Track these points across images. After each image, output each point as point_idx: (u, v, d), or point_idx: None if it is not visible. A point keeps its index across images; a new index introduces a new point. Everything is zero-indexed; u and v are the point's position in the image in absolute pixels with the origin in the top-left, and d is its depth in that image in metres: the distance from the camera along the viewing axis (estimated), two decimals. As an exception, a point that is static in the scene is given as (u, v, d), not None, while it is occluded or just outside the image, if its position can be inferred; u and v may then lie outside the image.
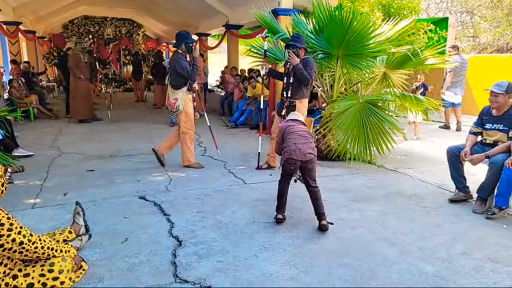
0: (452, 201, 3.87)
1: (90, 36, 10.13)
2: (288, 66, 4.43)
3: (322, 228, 3.13)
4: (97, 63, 8.93)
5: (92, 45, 9.56)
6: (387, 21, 5.40)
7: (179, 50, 4.69)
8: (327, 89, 5.54)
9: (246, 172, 4.80)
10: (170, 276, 2.47)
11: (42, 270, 2.09)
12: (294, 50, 4.27)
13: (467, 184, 3.88)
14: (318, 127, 5.43)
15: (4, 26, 10.22)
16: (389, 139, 4.87)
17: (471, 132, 3.88)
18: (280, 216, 3.27)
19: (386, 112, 5.03)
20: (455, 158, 3.82)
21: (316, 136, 5.45)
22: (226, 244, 2.91)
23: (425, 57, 5.21)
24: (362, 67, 4.96)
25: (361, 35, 4.62)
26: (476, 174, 4.18)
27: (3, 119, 4.84)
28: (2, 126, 4.76)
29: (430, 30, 8.08)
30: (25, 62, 11.23)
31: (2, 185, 2.07)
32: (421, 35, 7.74)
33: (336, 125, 4.94)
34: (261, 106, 5.30)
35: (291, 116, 3.60)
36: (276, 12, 6.96)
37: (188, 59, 4.68)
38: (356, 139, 4.90)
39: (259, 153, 5.01)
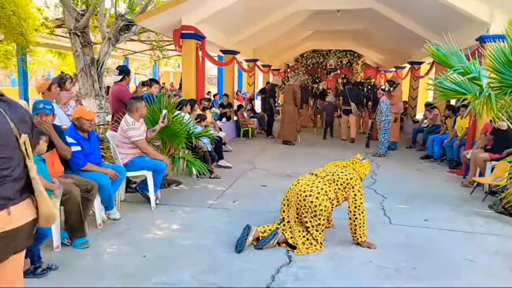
0: None
1: (302, 73, 11.83)
2: None
3: None
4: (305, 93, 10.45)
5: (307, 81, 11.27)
6: None
7: None
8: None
9: (400, 211, 4.50)
10: (262, 289, 2.82)
11: None
12: None
13: None
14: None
15: (245, 64, 13.14)
16: None
17: None
18: None
19: None
20: None
21: (506, 183, 4.44)
22: (328, 277, 2.97)
23: None
24: None
25: None
26: None
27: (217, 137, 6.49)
28: (212, 142, 6.34)
29: None
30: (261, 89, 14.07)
31: None
32: None
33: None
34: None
35: None
36: (482, 40, 6.09)
37: None
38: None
39: None
